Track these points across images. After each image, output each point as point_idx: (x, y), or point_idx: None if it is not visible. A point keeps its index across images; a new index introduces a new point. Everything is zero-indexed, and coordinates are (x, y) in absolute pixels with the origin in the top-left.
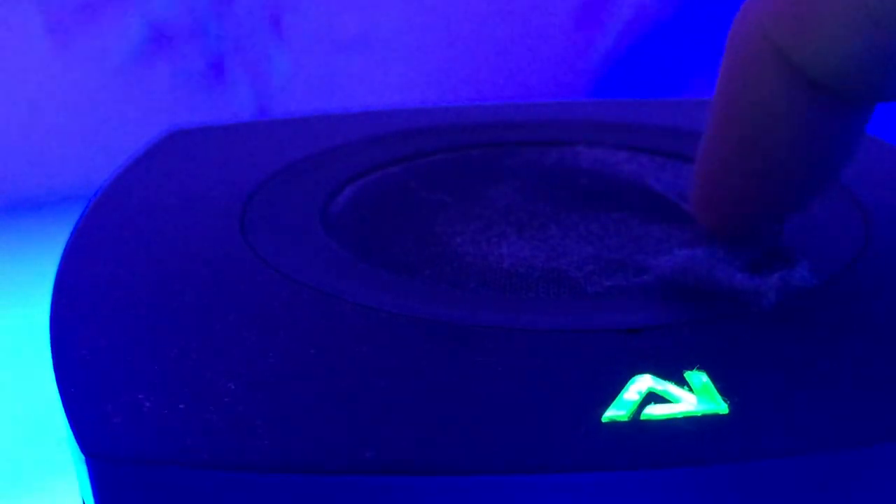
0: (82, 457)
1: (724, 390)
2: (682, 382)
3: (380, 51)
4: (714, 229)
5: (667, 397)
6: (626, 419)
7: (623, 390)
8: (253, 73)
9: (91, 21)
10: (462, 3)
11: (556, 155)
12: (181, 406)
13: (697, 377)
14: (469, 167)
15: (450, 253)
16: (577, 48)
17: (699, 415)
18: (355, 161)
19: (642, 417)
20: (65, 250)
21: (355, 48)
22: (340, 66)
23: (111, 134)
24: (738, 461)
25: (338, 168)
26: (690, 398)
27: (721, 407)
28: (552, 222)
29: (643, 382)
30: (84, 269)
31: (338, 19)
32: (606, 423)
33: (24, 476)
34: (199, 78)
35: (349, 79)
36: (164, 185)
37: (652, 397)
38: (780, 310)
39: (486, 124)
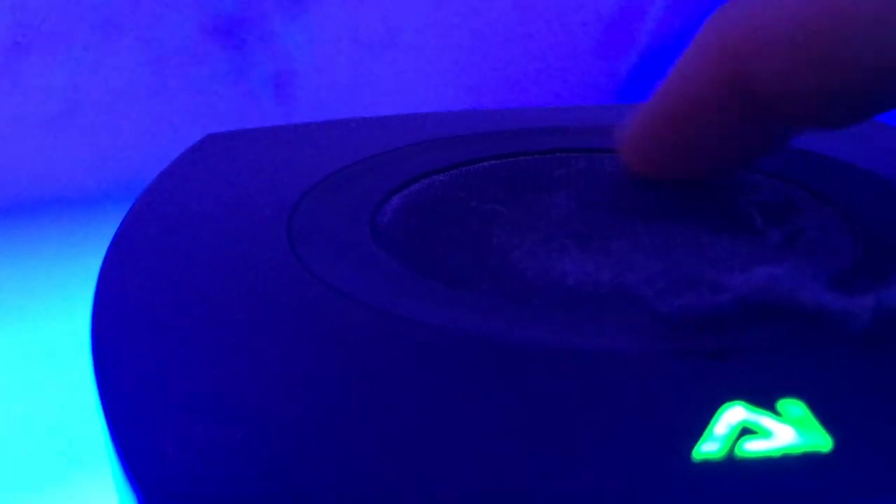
0: (133, 493)
1: (826, 422)
2: (777, 413)
3: (406, 51)
4: (637, 170)
5: (763, 432)
6: (720, 457)
7: (713, 422)
8: (275, 70)
9: (136, 14)
10: (487, 5)
11: (609, 162)
12: (239, 435)
13: (794, 407)
14: (520, 175)
15: (508, 267)
16: (607, 47)
17: (800, 452)
18: (400, 168)
19: (737, 454)
20: (104, 262)
21: (381, 48)
22: (366, 66)
23: (146, 132)
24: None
25: (383, 175)
26: (788, 433)
27: (825, 442)
28: (614, 234)
29: (735, 414)
30: (125, 284)
31: (364, 20)
32: (698, 461)
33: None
34: (223, 78)
35: (375, 80)
36: (205, 191)
37: (746, 431)
38: (875, 331)
39: (533, 129)
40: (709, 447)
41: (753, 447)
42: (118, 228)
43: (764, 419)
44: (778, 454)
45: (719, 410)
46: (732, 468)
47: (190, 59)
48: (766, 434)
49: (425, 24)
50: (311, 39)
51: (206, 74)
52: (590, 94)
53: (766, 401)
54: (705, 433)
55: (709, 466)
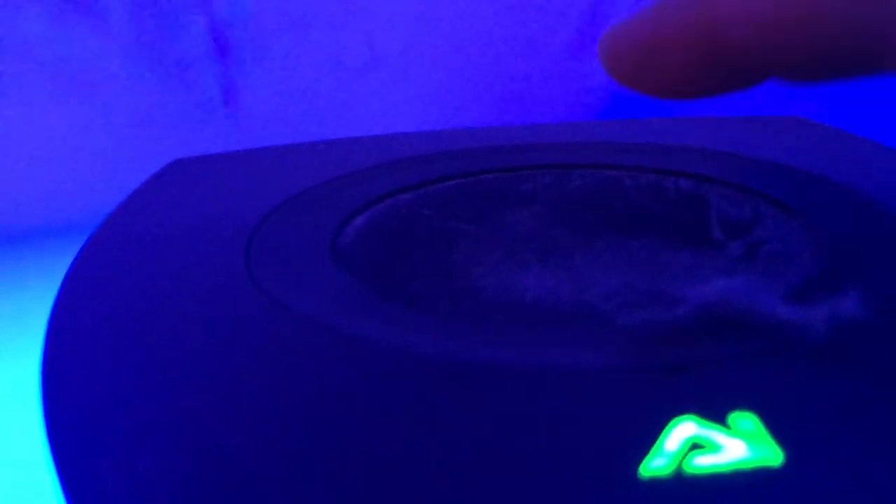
0: None
1: (778, 436)
2: (728, 427)
3: (385, 74)
4: (616, 76)
5: (713, 447)
6: (668, 473)
7: (662, 437)
8: (255, 95)
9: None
10: (465, 27)
11: (573, 178)
12: (184, 467)
13: (746, 421)
14: (483, 193)
15: (468, 286)
16: (583, 68)
17: (750, 466)
18: (364, 189)
19: (685, 469)
20: (61, 286)
21: (361, 72)
22: (345, 89)
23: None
24: None
25: (347, 196)
26: (739, 447)
27: (776, 456)
28: (575, 250)
29: (685, 429)
30: (80, 309)
31: (343, 44)
32: (645, 479)
33: None
34: (201, 104)
35: (354, 103)
36: (168, 216)
37: (695, 446)
38: (831, 343)
39: (498, 147)
40: (657, 463)
41: (703, 462)
42: (78, 252)
43: (714, 434)
44: (728, 469)
45: (669, 426)
46: (680, 484)
47: (177, 84)
48: (716, 448)
49: (406, 46)
50: (292, 63)
51: (181, 100)
52: (574, 94)
53: (717, 415)
54: (654, 449)
55: (656, 483)
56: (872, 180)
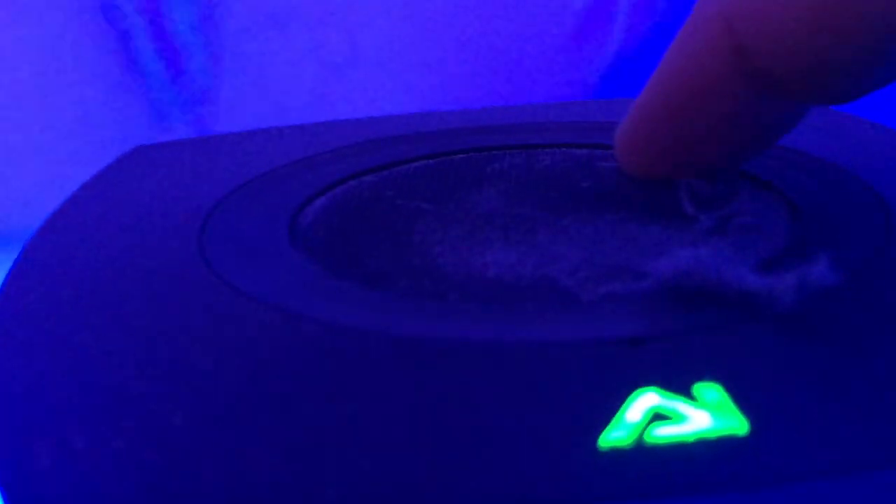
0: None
1: (743, 406)
2: (693, 398)
3: (368, 70)
4: (634, 172)
5: (676, 417)
6: (628, 444)
7: (623, 408)
8: (234, 94)
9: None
10: (449, 23)
11: (542, 158)
12: (117, 445)
13: (710, 391)
14: (449, 173)
15: (428, 263)
16: (572, 70)
17: (715, 436)
18: (327, 170)
19: (647, 440)
20: (8, 273)
21: (341, 68)
22: (327, 84)
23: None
24: (764, 488)
25: (308, 178)
26: (703, 417)
27: (741, 425)
28: (540, 226)
29: (647, 400)
30: (27, 289)
31: (324, 39)
32: (605, 449)
33: None
34: (177, 105)
35: (336, 98)
36: (124, 202)
37: (658, 416)
38: (799, 312)
39: (466, 129)
40: (617, 434)
41: (665, 433)
42: (29, 238)
43: (678, 404)
44: (691, 439)
45: (631, 397)
46: (641, 455)
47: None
48: (680, 419)
49: (388, 41)
50: (270, 59)
51: (154, 97)
52: (563, 91)
53: (681, 386)
54: (614, 420)
55: (616, 453)
56: (851, 154)
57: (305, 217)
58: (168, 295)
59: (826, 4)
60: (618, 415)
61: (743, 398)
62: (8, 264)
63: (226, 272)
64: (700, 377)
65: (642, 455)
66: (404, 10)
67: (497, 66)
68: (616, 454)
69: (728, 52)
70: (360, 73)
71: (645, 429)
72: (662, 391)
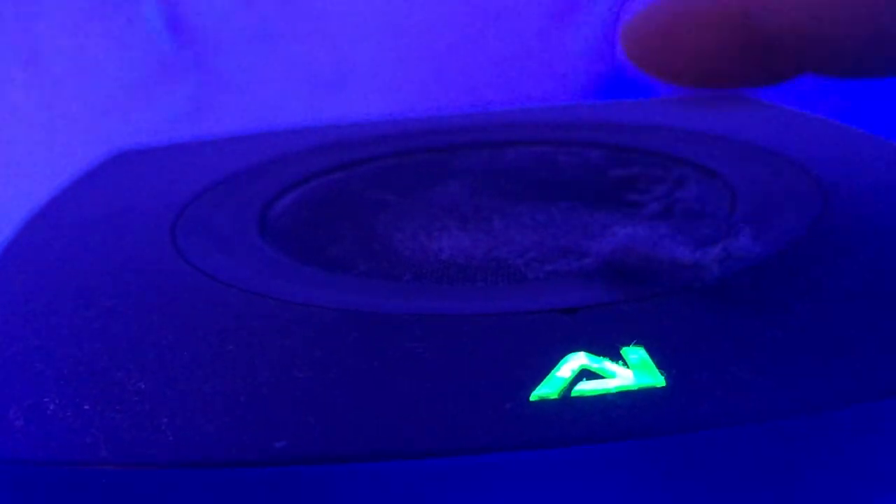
0: None
1: (662, 364)
2: (618, 359)
3: (356, 85)
4: (636, 61)
5: (602, 374)
6: (556, 396)
7: (555, 369)
8: (229, 109)
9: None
10: (437, 36)
11: (507, 154)
12: (86, 407)
13: (635, 353)
14: (416, 170)
15: (387, 249)
16: (551, 52)
17: (634, 389)
18: (298, 169)
19: (574, 394)
20: None
21: (331, 83)
22: (315, 102)
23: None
24: (674, 433)
25: (280, 176)
26: (626, 374)
27: (658, 380)
28: (496, 215)
29: (576, 360)
30: (9, 281)
31: (311, 56)
32: (535, 401)
33: None
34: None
35: (323, 115)
36: (104, 202)
37: (586, 374)
38: (726, 284)
39: (434, 129)
40: (547, 389)
41: (589, 387)
42: (11, 235)
43: (604, 364)
44: (612, 392)
45: (563, 358)
46: (568, 406)
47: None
48: (605, 375)
49: (377, 50)
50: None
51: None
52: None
53: (610, 349)
54: (546, 378)
55: (545, 405)
56: (797, 145)
57: (275, 210)
58: (139, 278)
59: None
60: (550, 374)
61: (663, 358)
62: None
63: (195, 258)
64: (627, 341)
65: (569, 406)
66: (393, 25)
67: (486, 78)
68: (545, 406)
69: (737, 15)
70: (348, 89)
71: (573, 384)
72: (591, 353)
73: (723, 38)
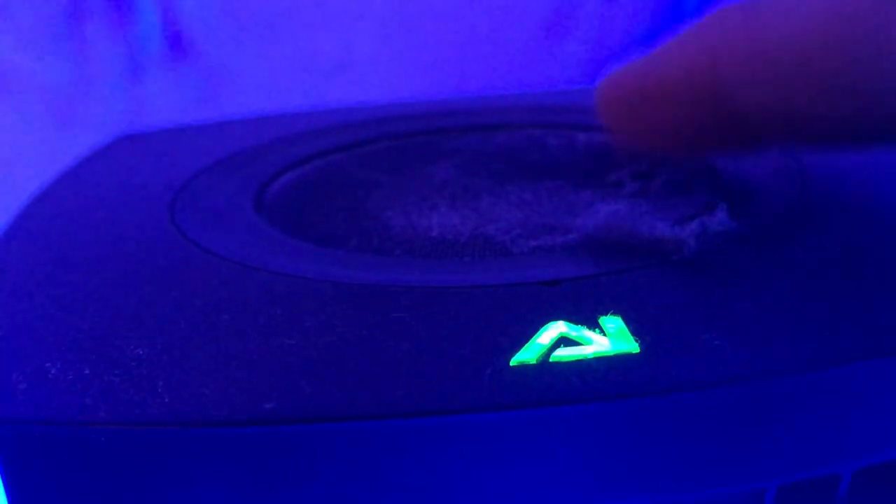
0: None
1: (638, 332)
2: (596, 327)
3: (355, 74)
4: (611, 127)
5: (580, 341)
6: (534, 361)
7: (536, 336)
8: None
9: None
10: (440, 27)
11: (497, 137)
12: (86, 371)
13: (612, 322)
14: (410, 151)
15: (378, 225)
16: (543, 61)
17: (610, 355)
18: (295, 151)
19: (552, 359)
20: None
21: (333, 73)
22: (314, 90)
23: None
24: (647, 396)
25: (277, 157)
26: (603, 341)
27: (633, 347)
28: (485, 194)
29: (556, 328)
30: (13, 258)
31: (309, 42)
32: (515, 366)
33: None
34: (182, 103)
35: (323, 103)
36: (106, 182)
37: (565, 342)
38: (702, 256)
39: (429, 113)
40: (526, 354)
41: (567, 353)
42: (15, 214)
43: (583, 332)
44: (589, 357)
45: (544, 327)
46: (546, 371)
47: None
48: (582, 342)
49: (378, 41)
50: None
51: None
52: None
53: (589, 319)
54: (527, 345)
55: (524, 369)
56: None
57: (271, 190)
58: (139, 252)
59: (813, 59)
60: (530, 340)
61: (639, 326)
62: None
63: (193, 233)
64: (605, 311)
65: (547, 371)
66: (395, 16)
67: (474, 61)
68: (524, 370)
69: (707, 84)
70: (351, 77)
71: (551, 350)
72: (571, 322)
73: (693, 112)
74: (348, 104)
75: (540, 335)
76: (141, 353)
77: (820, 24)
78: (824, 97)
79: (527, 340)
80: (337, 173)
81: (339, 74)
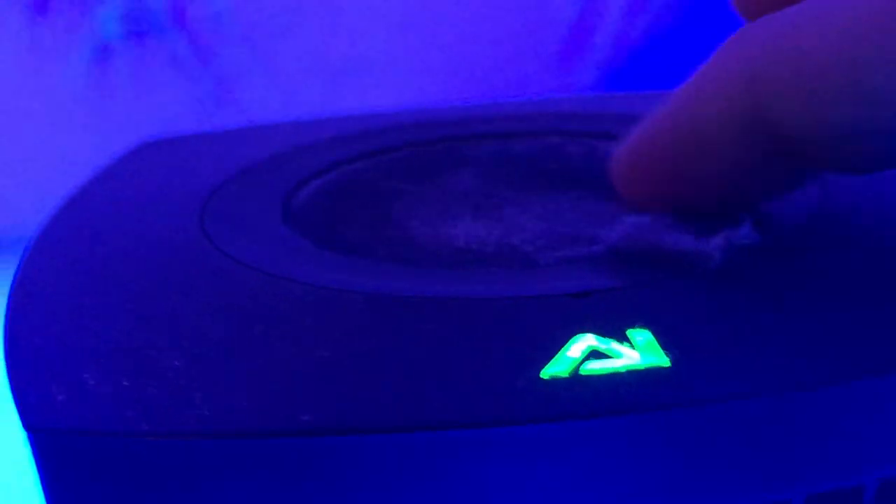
0: (25, 433)
1: (667, 345)
2: (625, 340)
3: (368, 77)
4: (631, 197)
5: (609, 354)
6: (566, 374)
7: (565, 349)
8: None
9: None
10: (453, 30)
11: (517, 144)
12: (124, 382)
13: (641, 334)
14: (431, 159)
15: (404, 235)
16: (566, 61)
17: (641, 369)
18: (319, 159)
19: (582, 372)
20: (28, 246)
21: (346, 74)
22: (327, 93)
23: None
24: (677, 408)
25: (302, 165)
26: (633, 354)
27: (663, 360)
28: (508, 204)
29: (585, 341)
30: (45, 264)
31: (324, 46)
32: (546, 379)
33: None
34: (191, 110)
35: (336, 107)
36: (134, 189)
37: (594, 355)
38: (727, 270)
39: (447, 121)
40: (557, 367)
41: (598, 366)
42: (46, 219)
43: (612, 345)
44: (620, 371)
45: (572, 339)
46: (577, 383)
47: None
48: (612, 356)
49: (390, 43)
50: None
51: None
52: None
53: (617, 331)
54: (556, 357)
55: (555, 382)
56: None
57: (297, 199)
58: (171, 262)
59: (859, 70)
60: (559, 352)
61: (668, 339)
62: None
63: (223, 244)
64: (633, 324)
65: (578, 384)
66: (409, 19)
67: (499, 74)
68: (555, 382)
69: (746, 112)
70: (363, 79)
71: (581, 363)
72: (599, 335)
73: (733, 148)
74: (363, 106)
75: (569, 348)
76: (178, 364)
77: (866, 31)
78: (874, 108)
79: (556, 353)
80: (360, 182)
81: (354, 77)
